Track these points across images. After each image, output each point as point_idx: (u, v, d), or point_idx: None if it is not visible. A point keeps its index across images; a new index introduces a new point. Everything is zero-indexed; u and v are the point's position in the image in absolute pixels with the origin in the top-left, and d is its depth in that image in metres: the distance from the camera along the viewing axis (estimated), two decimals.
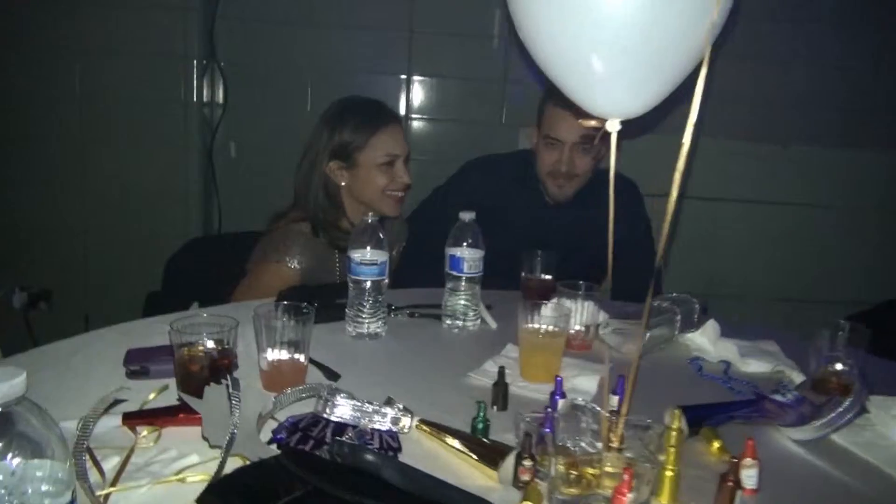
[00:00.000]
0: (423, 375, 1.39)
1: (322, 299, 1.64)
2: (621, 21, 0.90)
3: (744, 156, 3.19)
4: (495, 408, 1.25)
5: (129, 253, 2.92)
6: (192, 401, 1.01)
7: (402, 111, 3.08)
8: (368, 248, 1.54)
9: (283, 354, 1.26)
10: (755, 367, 1.54)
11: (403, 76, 3.08)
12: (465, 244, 1.64)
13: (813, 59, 3.14)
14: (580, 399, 1.12)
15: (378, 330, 1.57)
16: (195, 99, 2.89)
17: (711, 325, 1.61)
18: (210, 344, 1.16)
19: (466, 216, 1.65)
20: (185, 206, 2.93)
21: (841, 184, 3.23)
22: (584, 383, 1.37)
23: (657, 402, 1.20)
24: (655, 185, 2.47)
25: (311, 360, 1.32)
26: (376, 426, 1.06)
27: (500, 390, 1.25)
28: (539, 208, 2.28)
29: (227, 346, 1.16)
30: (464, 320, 1.67)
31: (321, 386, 1.16)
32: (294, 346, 1.26)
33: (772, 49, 3.15)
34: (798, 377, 1.39)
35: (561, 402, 1.21)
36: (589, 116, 1.03)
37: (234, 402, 0.94)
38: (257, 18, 2.96)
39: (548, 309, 1.44)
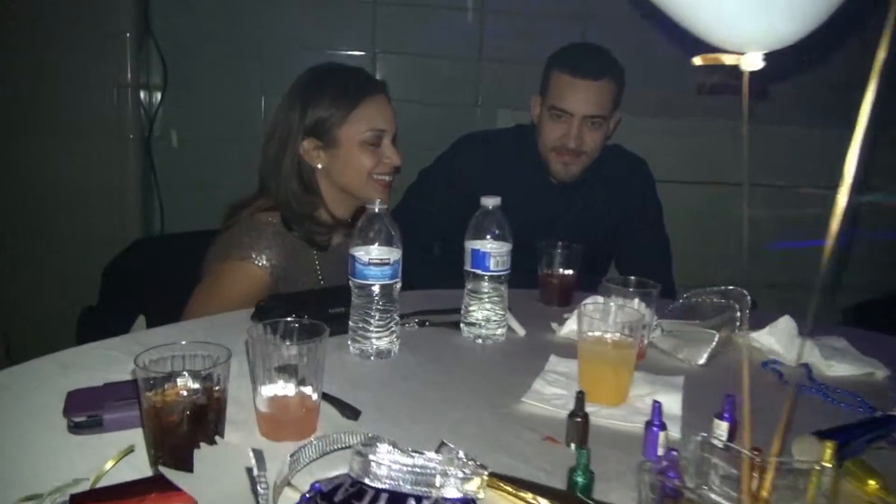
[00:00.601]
0: (462, 404, 1.09)
1: (312, 309, 1.32)
2: None
3: (726, 135, 3.00)
4: (573, 446, 0.96)
5: (56, 261, 2.49)
6: (176, 476, 0.68)
7: None
8: (376, 244, 1.22)
9: (289, 389, 0.94)
10: (840, 370, 1.31)
11: (365, 53, 2.75)
12: (489, 236, 1.35)
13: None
14: (699, 433, 0.84)
15: (390, 346, 1.26)
16: (129, 80, 2.48)
17: (785, 323, 1.37)
18: (192, 384, 0.83)
19: (490, 202, 1.36)
20: (122, 203, 2.53)
21: (829, 165, 3.06)
22: (665, 404, 1.09)
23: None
24: (662, 171, 2.25)
25: (324, 395, 1.00)
26: (445, 493, 0.75)
27: (581, 424, 0.96)
28: (541, 188, 2.02)
29: (217, 387, 0.83)
30: (487, 328, 1.37)
31: (353, 433, 0.84)
32: (302, 377, 0.94)
33: None
34: None
35: (662, 435, 0.93)
36: (715, 50, 0.74)
37: (260, 489, 0.61)
38: None
39: (612, 313, 1.16)
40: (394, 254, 1.23)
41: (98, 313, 1.94)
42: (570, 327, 1.42)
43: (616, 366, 1.10)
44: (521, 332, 1.42)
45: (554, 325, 1.46)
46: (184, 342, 0.86)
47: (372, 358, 1.25)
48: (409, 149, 2.31)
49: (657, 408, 0.93)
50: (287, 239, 1.61)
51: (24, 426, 0.93)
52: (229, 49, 2.62)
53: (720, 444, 0.79)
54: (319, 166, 1.67)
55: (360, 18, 2.71)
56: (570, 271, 1.65)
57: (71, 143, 2.45)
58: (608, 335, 1.13)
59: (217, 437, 0.79)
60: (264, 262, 1.56)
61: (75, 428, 0.90)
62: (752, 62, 0.72)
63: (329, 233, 1.69)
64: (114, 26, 2.44)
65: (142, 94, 2.56)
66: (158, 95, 2.60)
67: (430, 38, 2.77)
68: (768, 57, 0.71)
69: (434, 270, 1.88)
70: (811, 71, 2.92)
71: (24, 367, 1.12)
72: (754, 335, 1.41)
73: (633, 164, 2.11)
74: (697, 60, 0.71)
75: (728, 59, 0.70)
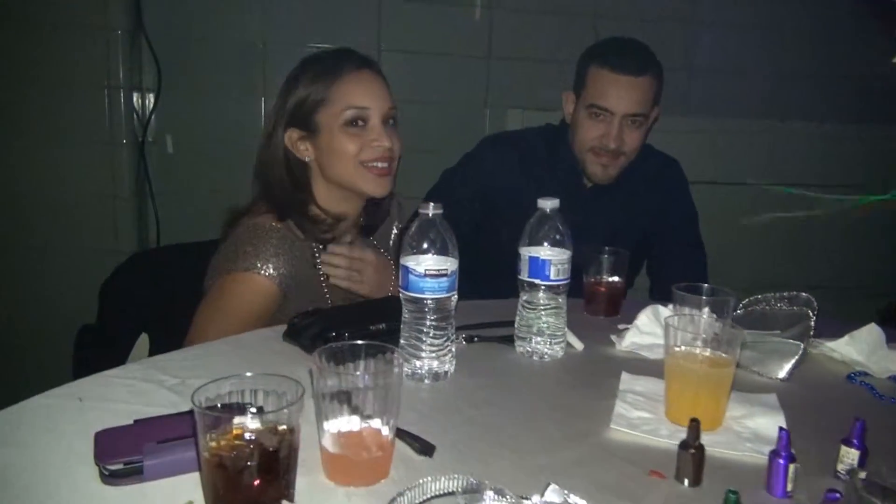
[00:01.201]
0: (543, 434, 0.96)
1: (350, 326, 1.19)
2: None
3: (737, 134, 2.93)
4: (686, 482, 0.84)
5: (45, 275, 2.31)
6: None
7: None
8: (431, 253, 1.09)
9: (361, 424, 0.80)
10: None
11: (370, 51, 2.61)
12: (547, 242, 1.22)
13: (810, 27, 2.93)
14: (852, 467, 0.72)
15: (447, 367, 1.13)
16: (121, 81, 2.32)
17: (870, 332, 1.26)
18: (258, 424, 0.69)
19: (548, 204, 1.23)
20: (114, 213, 2.36)
21: (846, 162, 3.00)
22: (765, 426, 0.98)
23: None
24: (691, 172, 2.15)
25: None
26: None
27: (696, 456, 0.83)
28: (573, 191, 1.88)
29: (292, 429, 0.69)
30: (545, 344, 1.24)
31: (450, 477, 0.71)
32: (375, 409, 0.80)
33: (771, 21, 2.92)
34: None
35: (791, 468, 0.81)
36: None
37: None
38: None
39: (703, 325, 1.04)
40: (451, 264, 1.10)
41: (97, 333, 1.79)
42: (630, 340, 1.31)
43: (714, 387, 0.98)
44: (579, 346, 1.30)
45: (613, 338, 1.34)
46: (248, 374, 0.72)
47: (426, 381, 1.11)
48: (415, 151, 2.19)
49: (785, 436, 0.82)
50: (294, 244, 1.47)
51: (49, 475, 0.78)
52: (227, 48, 2.48)
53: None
54: (307, 159, 1.52)
55: (365, 15, 2.59)
56: (617, 278, 1.54)
57: (59, 149, 2.29)
58: (705, 352, 1.01)
59: (290, 493, 0.66)
60: (271, 272, 1.42)
61: (110, 477, 0.76)
62: None
63: (330, 230, 1.53)
64: (103, 23, 2.28)
65: (134, 97, 2.40)
66: (152, 98, 2.44)
67: (437, 35, 2.66)
68: None
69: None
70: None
71: (35, 403, 0.96)
72: (831, 344, 1.30)
73: (665, 164, 2.00)
74: None
75: None
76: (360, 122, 1.47)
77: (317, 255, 1.51)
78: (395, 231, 1.75)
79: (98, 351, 1.75)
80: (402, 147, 1.54)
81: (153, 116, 2.45)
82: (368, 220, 1.65)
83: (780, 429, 0.83)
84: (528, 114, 2.71)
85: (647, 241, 1.99)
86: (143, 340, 1.73)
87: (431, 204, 1.11)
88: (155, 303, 1.76)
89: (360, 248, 1.55)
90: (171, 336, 1.58)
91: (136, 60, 2.40)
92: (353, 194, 1.54)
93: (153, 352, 1.71)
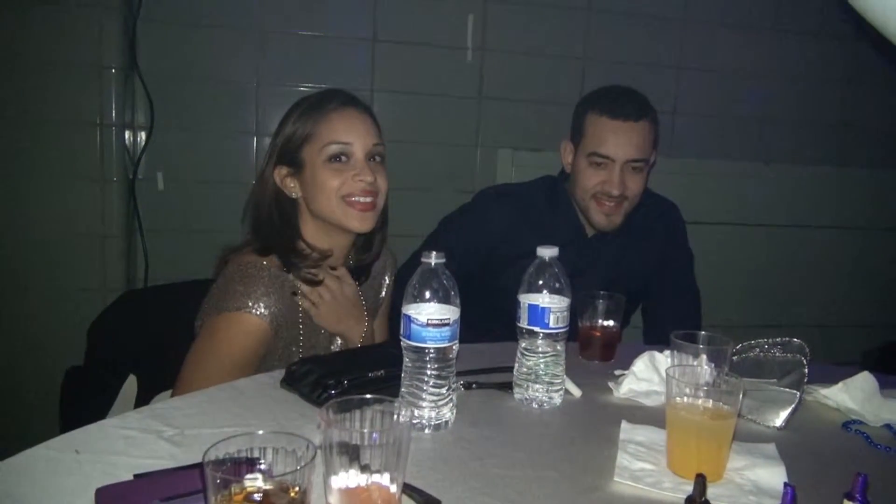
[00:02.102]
0: (550, 487, 0.96)
1: (349, 373, 1.19)
2: None
3: (721, 175, 2.99)
4: None
5: (32, 315, 2.28)
6: None
7: None
8: (434, 301, 1.09)
9: (367, 479, 0.80)
10: None
11: (363, 90, 2.64)
12: (546, 290, 1.23)
13: (793, 73, 3.02)
14: None
15: (447, 417, 1.12)
16: (113, 119, 2.32)
17: (864, 380, 1.28)
18: (270, 484, 0.68)
19: (547, 253, 1.24)
20: (103, 251, 2.34)
21: (825, 202, 3.07)
22: (767, 479, 0.99)
23: None
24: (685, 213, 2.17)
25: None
26: None
27: None
28: (574, 241, 1.87)
29: (304, 490, 0.68)
30: (543, 391, 1.24)
31: None
32: (382, 465, 0.80)
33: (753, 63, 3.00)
34: None
35: None
36: None
37: None
38: (188, 21, 2.45)
39: (704, 376, 1.05)
40: (453, 312, 1.10)
41: (84, 374, 1.76)
42: (628, 386, 1.31)
43: (715, 438, 0.98)
44: (577, 393, 1.30)
45: (610, 385, 1.34)
46: (260, 431, 0.72)
47: (427, 430, 1.11)
48: (407, 190, 2.20)
49: (790, 493, 0.82)
50: (285, 283, 1.47)
51: None
52: (220, 87, 2.50)
53: None
54: (294, 196, 1.54)
55: (358, 56, 2.62)
56: (613, 323, 1.55)
57: (48, 187, 2.27)
58: (707, 403, 1.01)
59: None
60: (262, 311, 1.41)
61: None
62: None
63: (316, 266, 1.53)
64: (97, 61, 2.28)
65: (126, 134, 2.39)
66: (143, 135, 2.45)
67: (429, 76, 2.70)
68: None
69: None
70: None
71: (31, 455, 0.94)
72: (825, 392, 1.31)
73: (664, 208, 2.02)
74: None
75: None
76: (343, 158, 1.49)
77: (297, 293, 1.51)
78: (386, 281, 1.75)
79: (86, 392, 1.73)
80: (386, 184, 1.54)
81: (144, 154, 2.45)
82: (358, 259, 1.65)
83: (786, 484, 0.83)
84: (519, 154, 2.75)
85: (645, 286, 1.99)
86: (132, 382, 1.71)
87: (434, 253, 1.11)
88: (144, 343, 1.74)
89: (334, 278, 1.55)
90: (160, 377, 1.56)
91: (129, 98, 2.40)
92: (338, 230, 1.54)
93: (142, 393, 1.69)
